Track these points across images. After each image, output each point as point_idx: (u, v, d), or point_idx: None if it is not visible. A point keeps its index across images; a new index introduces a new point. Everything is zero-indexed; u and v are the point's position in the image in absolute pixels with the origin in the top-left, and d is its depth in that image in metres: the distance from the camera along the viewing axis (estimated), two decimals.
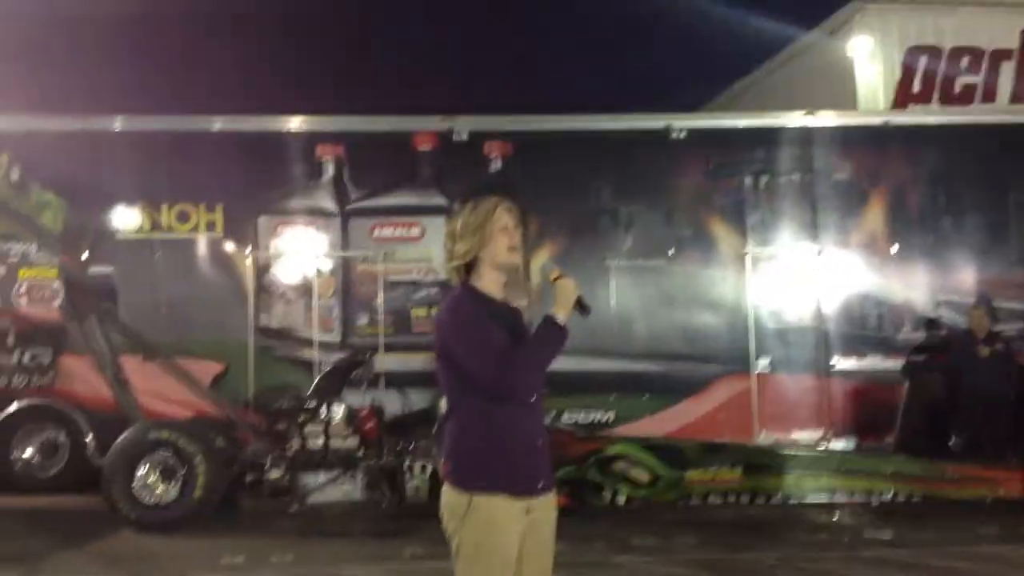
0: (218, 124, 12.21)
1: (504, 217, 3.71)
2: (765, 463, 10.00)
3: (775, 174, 12.04)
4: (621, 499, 9.90)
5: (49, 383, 11.98)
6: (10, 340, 12.02)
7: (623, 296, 11.92)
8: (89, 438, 11.35)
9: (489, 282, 3.71)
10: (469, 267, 3.74)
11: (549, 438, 3.73)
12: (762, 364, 11.66)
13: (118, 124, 12.20)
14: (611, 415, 11.64)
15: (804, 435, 11.51)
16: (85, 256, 11.95)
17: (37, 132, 12.26)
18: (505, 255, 3.69)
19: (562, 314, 3.60)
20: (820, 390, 11.69)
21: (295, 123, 12.33)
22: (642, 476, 9.86)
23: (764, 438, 11.35)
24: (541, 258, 11.67)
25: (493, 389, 3.49)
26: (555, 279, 3.68)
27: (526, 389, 3.57)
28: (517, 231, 3.75)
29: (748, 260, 11.84)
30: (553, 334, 3.58)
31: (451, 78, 36.63)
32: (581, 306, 3.65)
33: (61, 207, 12.28)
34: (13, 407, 11.81)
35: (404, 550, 8.26)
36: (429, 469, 9.79)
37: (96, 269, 11.60)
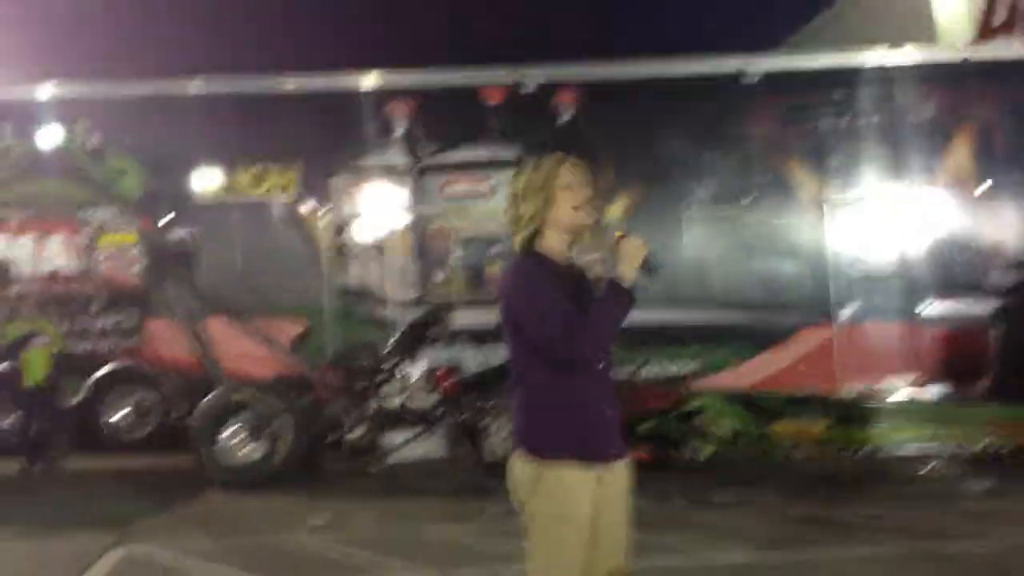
0: (290, 84, 12.22)
1: (568, 175, 3.60)
2: (852, 415, 9.83)
3: (854, 115, 11.66)
4: (702, 454, 9.81)
5: (137, 346, 12.25)
6: (97, 305, 12.30)
7: (700, 246, 11.73)
8: (176, 400, 11.53)
9: (554, 244, 3.62)
10: (533, 229, 3.63)
11: (619, 405, 3.64)
12: (845, 313, 11.40)
13: (193, 87, 12.26)
14: (691, 367, 11.51)
15: (890, 385, 11.23)
16: (163, 221, 12.17)
17: (113, 98, 12.43)
18: (570, 215, 3.59)
19: (628, 275, 3.48)
20: (906, 338, 11.36)
21: (366, 80, 12.28)
22: (724, 431, 9.74)
23: (848, 389, 11.10)
24: (616, 210, 11.64)
25: (559, 356, 3.40)
26: (619, 238, 3.54)
27: (592, 355, 3.47)
28: (583, 189, 3.62)
29: (828, 206, 11.55)
30: (619, 297, 3.47)
31: (518, 28, 36.13)
32: (649, 265, 3.50)
33: (138, 173, 12.45)
34: (103, 370, 12.11)
35: (484, 509, 8.26)
36: (508, 426, 9.78)
37: (175, 233, 11.75)
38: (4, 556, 7.43)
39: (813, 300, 11.46)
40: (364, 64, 12.45)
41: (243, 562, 6.91)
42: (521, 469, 3.49)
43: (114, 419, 12.24)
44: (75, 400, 12.08)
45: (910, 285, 11.43)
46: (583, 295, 3.56)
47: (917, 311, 11.37)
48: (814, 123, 11.73)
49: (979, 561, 6.58)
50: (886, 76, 11.70)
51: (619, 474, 3.58)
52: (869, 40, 13.23)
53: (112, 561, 7.11)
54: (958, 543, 7.05)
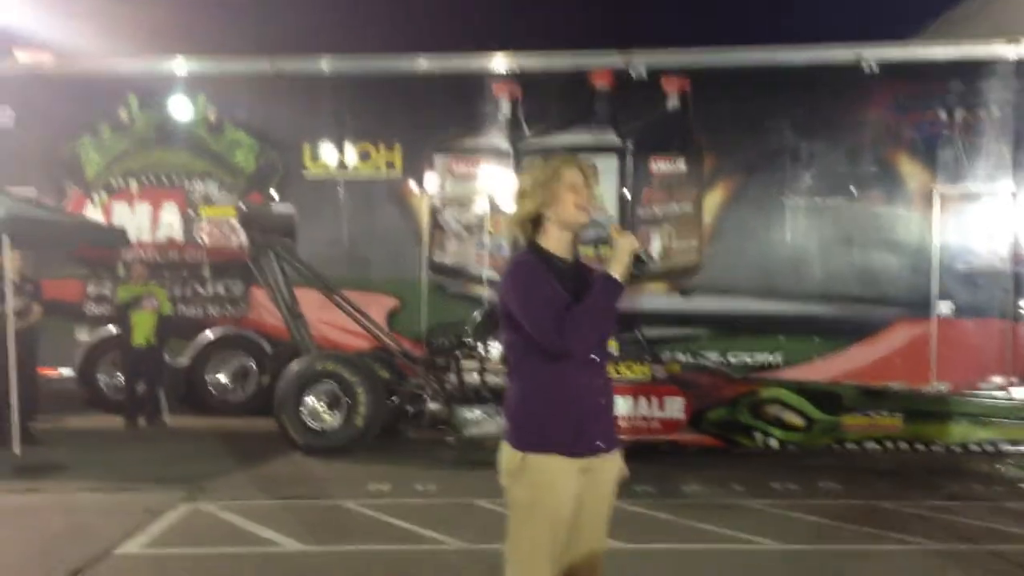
0: (398, 64, 12.41)
1: (573, 174, 3.57)
2: (928, 409, 9.53)
3: (970, 108, 11.25)
4: (773, 443, 9.63)
5: (242, 313, 12.63)
6: (206, 272, 12.72)
7: (799, 235, 11.51)
8: (275, 366, 11.80)
9: (555, 240, 3.58)
10: (536, 225, 3.62)
11: (612, 396, 3.68)
12: (944, 308, 11.03)
13: (307, 66, 12.56)
14: (778, 357, 11.29)
15: (984, 382, 10.82)
16: (273, 194, 12.50)
17: (231, 74, 12.81)
18: (573, 214, 3.55)
19: (618, 270, 3.46)
20: (1006, 336, 10.95)
21: (471, 62, 12.37)
22: (796, 420, 9.55)
23: (941, 386, 10.74)
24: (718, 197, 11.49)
25: (550, 347, 3.41)
26: (615, 234, 3.53)
27: (584, 347, 3.45)
28: (587, 190, 3.60)
29: (936, 198, 11.18)
30: (609, 291, 3.45)
31: (628, 12, 35.63)
32: (639, 260, 3.50)
33: (253, 147, 12.81)
34: (208, 335, 12.62)
35: None
36: None
37: (278, 207, 12.04)
38: (79, 502, 7.73)
39: (912, 294, 11.18)
40: (473, 46, 12.56)
41: (295, 524, 7.03)
42: (508, 456, 3.52)
43: (217, 382, 12.67)
44: (181, 362, 12.53)
45: (1015, 282, 11.00)
46: (582, 291, 3.52)
47: (1020, 309, 10.93)
48: (929, 114, 11.35)
49: (1013, 563, 6.31)
50: (1007, 68, 11.24)
51: (607, 466, 3.58)
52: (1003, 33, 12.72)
53: (176, 515, 7.33)
54: (1001, 543, 6.78)
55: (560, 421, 3.45)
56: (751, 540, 6.79)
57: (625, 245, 3.49)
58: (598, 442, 3.52)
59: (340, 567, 6.12)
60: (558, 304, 3.38)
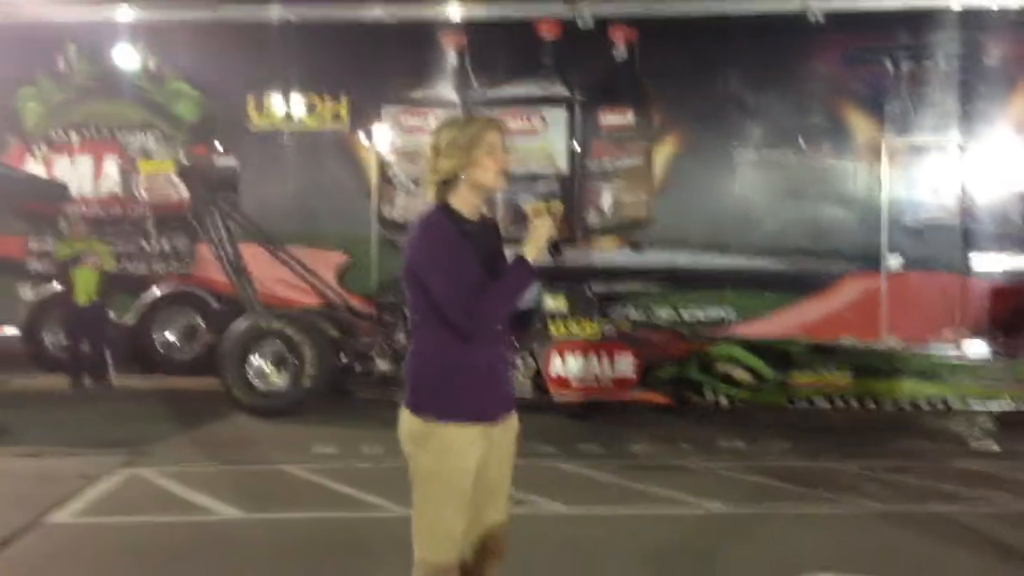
0: (343, 12, 12.15)
1: (494, 138, 3.47)
2: (878, 366, 9.54)
3: (918, 59, 11.21)
4: (723, 400, 9.64)
5: (188, 270, 12.42)
6: (150, 228, 12.48)
7: (748, 188, 11.47)
8: (223, 325, 11.59)
9: (465, 202, 3.49)
10: (446, 184, 3.51)
11: (512, 361, 3.63)
12: (894, 262, 11.03)
13: (251, 13, 12.28)
14: (729, 313, 11.26)
15: (935, 337, 10.85)
16: (217, 146, 12.25)
17: (172, 22, 12.49)
18: (491, 179, 3.46)
19: (532, 254, 3.39)
20: (956, 290, 10.98)
21: (421, 11, 12.14)
22: (745, 377, 9.55)
23: (891, 340, 10.75)
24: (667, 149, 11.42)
25: (454, 325, 3.36)
26: (534, 216, 3.46)
27: (489, 327, 3.43)
28: (504, 155, 3.50)
29: (884, 151, 11.14)
30: (522, 276, 3.41)
31: None
32: (554, 247, 3.45)
33: (196, 97, 12.55)
34: (154, 292, 12.36)
35: None
36: (534, 366, 9.73)
37: (221, 160, 11.79)
38: (13, 467, 7.58)
39: (861, 247, 11.16)
40: None
41: (234, 490, 6.93)
42: (409, 422, 3.46)
43: (164, 340, 12.45)
44: (127, 320, 12.29)
45: (963, 236, 11.01)
46: (492, 250, 3.49)
47: (968, 263, 10.95)
48: (877, 66, 11.29)
49: (958, 525, 6.31)
50: (953, 20, 11.19)
51: (506, 429, 3.56)
52: None
53: (113, 482, 7.19)
54: (945, 504, 6.79)
55: (461, 390, 3.41)
56: (692, 503, 6.76)
57: (542, 229, 3.42)
58: (498, 408, 3.51)
59: (277, 534, 6.00)
60: (469, 281, 3.32)
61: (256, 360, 9.96)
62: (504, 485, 3.60)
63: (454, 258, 3.36)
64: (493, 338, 3.48)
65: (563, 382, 9.68)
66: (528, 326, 8.86)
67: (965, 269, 10.99)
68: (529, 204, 3.53)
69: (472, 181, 3.45)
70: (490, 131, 3.47)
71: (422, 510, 3.45)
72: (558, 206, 3.54)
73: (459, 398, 3.41)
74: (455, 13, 12.07)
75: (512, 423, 3.60)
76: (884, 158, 11.14)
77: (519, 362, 9.64)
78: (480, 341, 3.42)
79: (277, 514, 6.47)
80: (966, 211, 11.05)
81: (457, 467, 3.40)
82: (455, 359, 3.42)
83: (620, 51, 11.70)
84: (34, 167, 12.63)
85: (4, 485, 7.08)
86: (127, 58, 12.62)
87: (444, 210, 3.48)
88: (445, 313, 3.36)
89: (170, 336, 12.48)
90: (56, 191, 11.82)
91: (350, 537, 6.00)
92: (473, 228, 3.48)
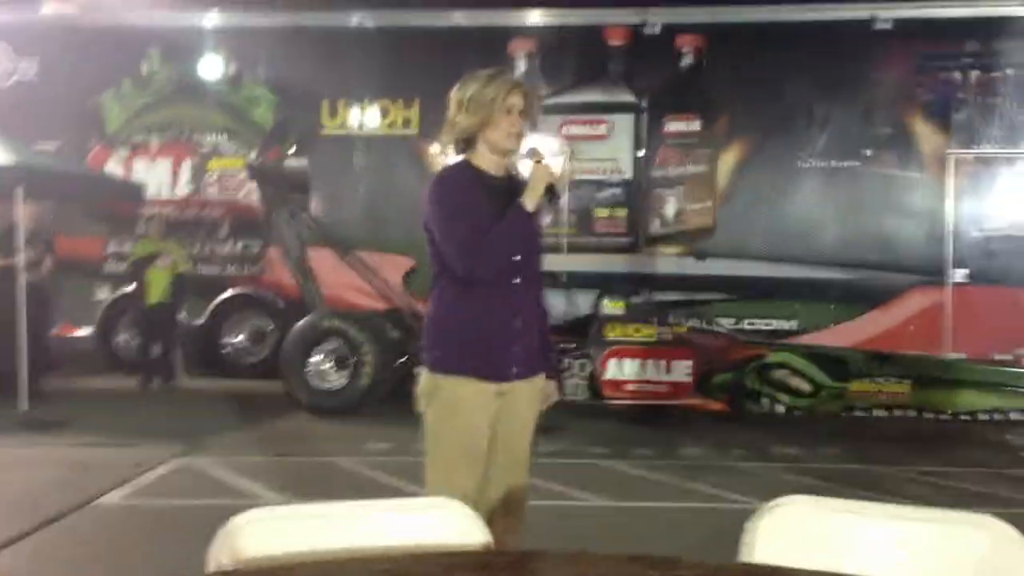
0: (417, 19, 12.31)
1: (515, 100, 3.50)
2: (937, 376, 9.42)
3: (987, 69, 10.97)
4: (780, 408, 9.58)
5: (258, 273, 12.60)
6: (223, 230, 12.71)
7: (814, 198, 11.30)
8: (285, 326, 11.75)
9: (486, 160, 3.55)
10: (468, 143, 3.57)
11: (539, 321, 3.67)
12: (959, 274, 10.81)
13: (327, 20, 12.47)
14: (793, 323, 11.09)
15: (1000, 351, 10.60)
16: (291, 150, 12.45)
17: (252, 28, 12.74)
18: (504, 140, 3.51)
19: (530, 200, 3.44)
20: (1021, 304, 10.70)
21: (487, 17, 12.23)
22: (803, 385, 9.49)
23: (954, 354, 10.53)
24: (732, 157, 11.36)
25: (458, 270, 3.42)
26: (534, 161, 3.51)
27: (488, 271, 3.44)
28: (524, 117, 3.53)
29: (951, 162, 10.94)
30: (519, 218, 3.44)
31: None
32: (551, 192, 3.49)
33: (272, 102, 12.78)
34: (224, 295, 12.48)
35: (541, 447, 8.19)
36: (588, 368, 9.77)
37: (291, 162, 11.98)
38: (73, 456, 7.82)
39: (927, 260, 10.89)
40: (485, 2, 12.42)
41: (282, 479, 7.10)
42: (423, 379, 3.51)
43: (233, 343, 12.58)
44: (198, 322, 12.45)
45: None
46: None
47: None
48: (945, 75, 11.10)
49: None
50: (1021, 29, 10.95)
51: (523, 391, 3.55)
52: None
53: (167, 469, 7.44)
54: (1002, 508, 6.67)
55: (473, 343, 3.44)
56: (737, 500, 6.75)
57: (541, 174, 3.46)
58: (513, 367, 3.49)
59: None
60: (474, 222, 3.37)
61: (316, 359, 10.13)
62: (522, 447, 3.60)
63: (459, 203, 3.43)
64: (512, 291, 3.49)
65: (618, 385, 9.70)
66: None
67: None
68: (535, 153, 3.55)
69: (488, 140, 3.50)
70: (513, 93, 3.49)
71: (433, 467, 3.48)
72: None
73: (469, 353, 3.43)
74: (529, 19, 12.12)
75: (535, 386, 3.58)
76: (951, 169, 10.93)
77: (575, 364, 9.72)
78: (496, 294, 3.45)
79: (318, 500, 6.57)
80: None
81: (464, 423, 3.42)
82: (464, 313, 3.46)
83: (687, 58, 11.67)
84: (114, 169, 12.94)
85: (59, 471, 7.31)
86: (208, 63, 12.88)
87: (463, 165, 3.55)
88: (445, 253, 3.41)
89: (239, 339, 12.56)
90: (132, 191, 12.10)
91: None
92: (498, 183, 3.53)
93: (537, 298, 3.67)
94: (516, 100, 3.49)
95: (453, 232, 3.39)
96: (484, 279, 3.43)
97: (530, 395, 3.57)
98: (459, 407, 3.42)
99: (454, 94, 3.59)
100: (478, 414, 3.43)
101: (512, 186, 3.56)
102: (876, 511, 2.09)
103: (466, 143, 3.56)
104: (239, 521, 1.93)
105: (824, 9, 11.52)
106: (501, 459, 3.53)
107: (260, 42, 12.72)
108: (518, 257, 3.50)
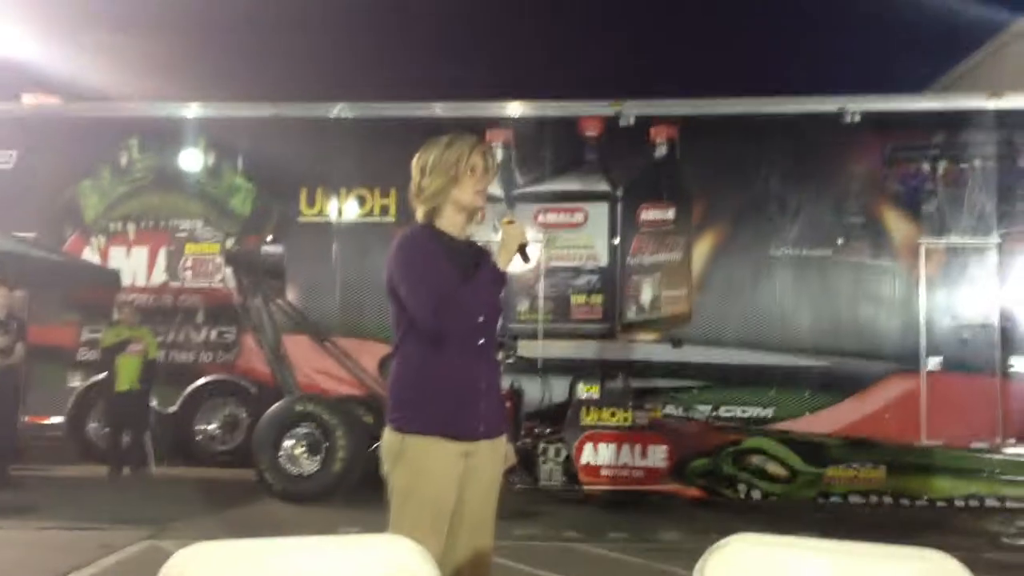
0: (389, 111, 12.46)
1: (477, 159, 3.59)
2: (913, 462, 9.42)
3: (955, 160, 11.17)
4: (757, 494, 9.54)
5: (233, 359, 12.51)
6: (198, 316, 12.65)
7: (788, 287, 11.38)
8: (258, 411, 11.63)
9: (450, 223, 3.61)
10: (434, 208, 3.63)
11: (499, 383, 3.73)
12: (933, 363, 10.86)
13: (308, 111, 12.64)
14: (770, 411, 11.08)
15: (974, 438, 10.59)
16: (269, 239, 12.47)
17: (231, 118, 12.87)
18: (471, 198, 3.58)
19: (503, 259, 3.52)
20: (995, 392, 10.76)
21: (464, 109, 12.40)
22: (779, 470, 9.47)
23: (931, 440, 10.53)
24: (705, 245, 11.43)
25: (422, 325, 3.43)
26: (505, 223, 3.57)
27: (463, 327, 3.47)
28: (488, 176, 3.61)
29: (922, 252, 11.07)
30: (492, 279, 3.51)
31: (617, 61, 35.72)
32: (523, 253, 3.55)
33: (251, 192, 12.84)
34: (198, 382, 12.36)
35: (514, 530, 8.14)
36: (564, 454, 9.72)
37: (266, 247, 12.00)
38: (37, 539, 7.73)
39: (901, 348, 10.96)
40: (463, 94, 12.63)
41: None
42: (388, 439, 3.50)
43: (205, 431, 12.43)
44: (169, 410, 12.31)
45: (1002, 338, 10.81)
46: (479, 269, 3.56)
47: (1008, 365, 10.74)
48: (914, 166, 11.29)
49: None
50: (991, 120, 11.18)
51: (488, 452, 3.54)
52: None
53: (131, 551, 7.33)
54: None
55: (439, 403, 3.43)
56: None
57: (514, 234, 3.52)
58: (481, 424, 3.49)
59: None
60: (440, 282, 3.39)
61: (288, 444, 10.05)
62: (488, 511, 3.56)
63: (426, 265, 3.45)
64: (476, 353, 3.51)
65: (594, 471, 9.65)
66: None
67: (1004, 372, 10.77)
68: (506, 215, 3.65)
69: (455, 200, 3.55)
70: (474, 153, 3.57)
71: (398, 529, 3.36)
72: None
73: (435, 412, 3.42)
74: (506, 111, 12.31)
75: (498, 447, 3.58)
76: (922, 258, 11.06)
77: (550, 449, 9.68)
78: (460, 354, 3.46)
79: None
80: (1004, 313, 10.87)
81: (432, 484, 3.39)
82: (432, 372, 3.45)
83: (661, 148, 11.84)
84: (90, 257, 12.91)
85: (24, 553, 7.21)
86: (188, 154, 12.95)
87: (425, 227, 3.59)
88: (414, 313, 3.42)
89: (211, 426, 12.41)
90: (106, 278, 12.07)
91: None
92: (457, 245, 3.58)
93: (495, 360, 3.71)
94: (478, 160, 3.58)
95: (422, 288, 3.41)
96: (452, 336, 3.44)
97: (494, 456, 3.57)
98: (426, 468, 3.40)
99: (416, 161, 3.66)
100: (445, 475, 3.41)
101: (473, 251, 3.61)
102: (821, 546, 2.10)
103: (432, 208, 3.60)
104: (183, 556, 1.88)
105: (795, 102, 11.83)
106: (466, 520, 3.49)
107: (240, 132, 12.81)
108: (482, 318, 3.51)
